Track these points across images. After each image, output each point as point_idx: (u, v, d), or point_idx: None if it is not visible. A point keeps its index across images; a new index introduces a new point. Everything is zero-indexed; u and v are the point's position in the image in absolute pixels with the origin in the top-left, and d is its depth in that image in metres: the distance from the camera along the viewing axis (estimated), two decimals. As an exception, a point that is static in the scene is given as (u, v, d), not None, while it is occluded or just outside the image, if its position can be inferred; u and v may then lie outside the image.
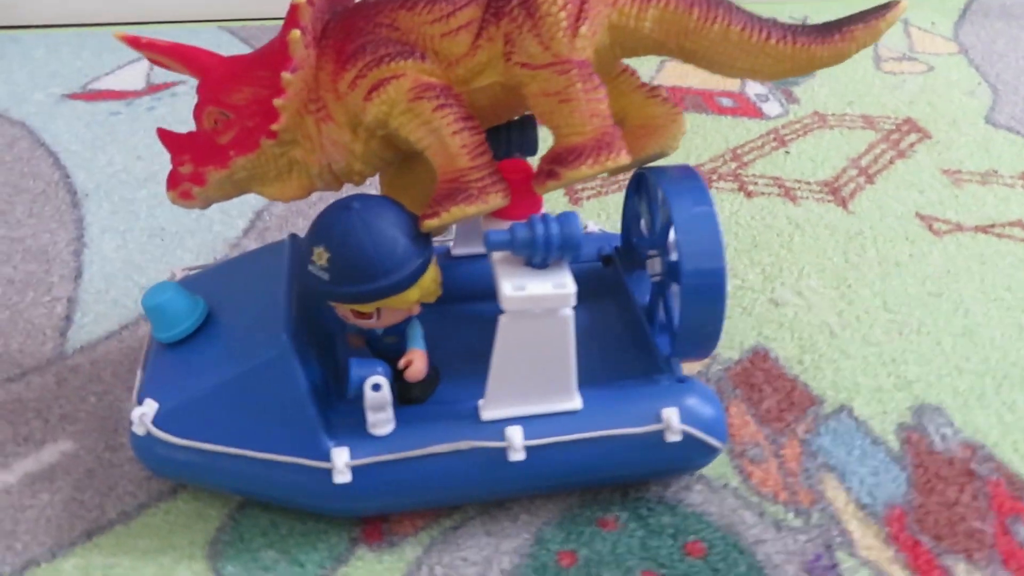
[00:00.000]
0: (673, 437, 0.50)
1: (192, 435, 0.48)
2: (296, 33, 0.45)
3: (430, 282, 0.48)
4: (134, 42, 0.49)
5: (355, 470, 0.47)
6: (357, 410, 0.49)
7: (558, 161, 0.46)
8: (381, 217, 0.46)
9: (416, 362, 0.49)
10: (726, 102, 0.98)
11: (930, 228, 0.77)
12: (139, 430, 0.48)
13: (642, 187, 0.57)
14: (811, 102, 0.98)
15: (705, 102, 0.97)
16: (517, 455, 0.48)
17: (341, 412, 0.50)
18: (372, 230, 0.45)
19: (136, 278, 0.70)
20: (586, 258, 0.63)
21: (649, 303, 0.58)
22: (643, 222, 0.59)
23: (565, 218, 0.45)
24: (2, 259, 0.72)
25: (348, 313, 0.48)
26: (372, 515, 0.51)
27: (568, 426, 0.50)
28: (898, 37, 1.14)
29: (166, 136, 0.51)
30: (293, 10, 0.45)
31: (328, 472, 0.47)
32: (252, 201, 0.78)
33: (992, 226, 0.77)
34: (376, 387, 0.46)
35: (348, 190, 0.52)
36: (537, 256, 0.45)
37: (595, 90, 0.46)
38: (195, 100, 0.50)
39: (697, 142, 0.90)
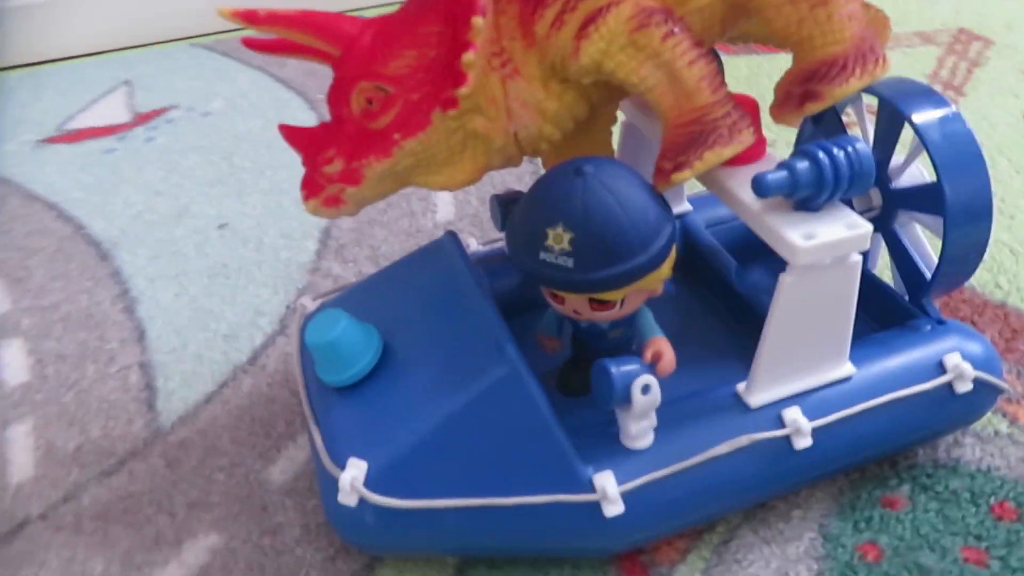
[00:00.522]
0: (963, 387, 0.42)
1: (419, 492, 0.37)
2: (484, -35, 0.35)
3: (674, 253, 0.39)
4: (250, 18, 0.38)
5: (625, 496, 0.38)
6: (590, 423, 0.40)
7: (817, 79, 0.38)
8: (623, 179, 0.37)
9: (667, 351, 0.40)
10: (770, 40, 0.91)
11: (1046, 129, 0.72)
12: (349, 499, 0.37)
13: (828, 110, 0.49)
14: (856, 28, 0.92)
15: (754, 44, 0.91)
16: (803, 441, 0.40)
17: (573, 430, 0.40)
18: (621, 197, 0.36)
19: (213, 325, 0.59)
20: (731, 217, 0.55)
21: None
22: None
23: (846, 142, 0.37)
24: (39, 333, 0.59)
25: (583, 306, 0.39)
26: (631, 548, 0.42)
27: (848, 398, 0.42)
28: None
29: (294, 134, 0.41)
30: (470, -59, 0.36)
31: (594, 506, 0.38)
32: (314, 218, 0.68)
33: (1104, 117, 0.73)
34: (646, 389, 0.37)
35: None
36: (824, 195, 0.37)
37: None
38: (329, 82, 0.40)
39: (767, 84, 0.83)
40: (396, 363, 0.41)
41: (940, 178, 0.42)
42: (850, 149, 0.36)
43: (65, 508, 0.47)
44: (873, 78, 0.38)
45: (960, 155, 0.42)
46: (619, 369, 0.37)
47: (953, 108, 0.43)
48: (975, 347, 0.44)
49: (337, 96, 0.40)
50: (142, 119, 0.84)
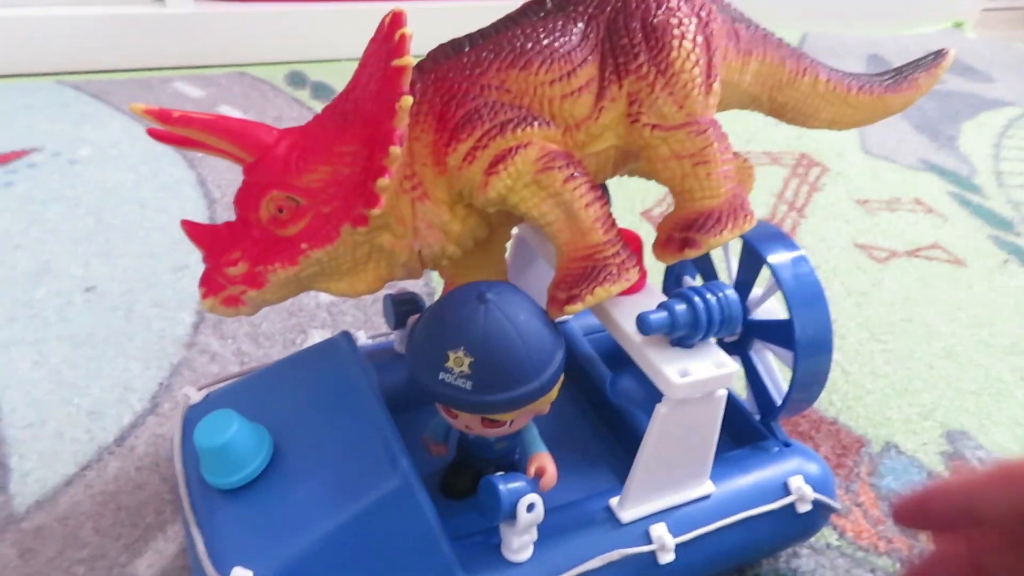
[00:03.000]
0: (804, 507, 0.47)
1: (307, 604, 0.38)
2: (408, 100, 0.38)
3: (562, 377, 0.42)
4: (164, 117, 0.38)
5: (505, 609, 0.40)
6: (472, 529, 0.42)
7: (694, 228, 0.43)
8: (522, 308, 0.39)
9: (549, 467, 0.42)
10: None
11: (871, 256, 0.82)
12: (233, 613, 0.37)
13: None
14: (715, 141, 1.01)
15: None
16: (667, 556, 0.44)
17: (455, 535, 0.42)
18: (520, 326, 0.39)
19: (77, 400, 0.56)
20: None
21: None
22: (691, 283, 0.57)
23: (718, 288, 0.41)
24: None
25: (475, 423, 0.41)
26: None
27: (706, 515, 0.46)
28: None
29: (198, 231, 0.41)
30: (397, 73, 0.38)
31: (474, 619, 0.40)
32: (190, 288, 0.66)
33: (918, 250, 0.84)
34: (531, 507, 0.39)
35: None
36: (698, 335, 0.41)
37: (727, 150, 0.43)
38: (238, 183, 0.40)
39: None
40: (285, 465, 0.42)
41: (792, 317, 0.47)
42: (721, 295, 0.41)
43: None
44: (742, 231, 0.43)
45: (807, 295, 0.48)
46: (507, 487, 0.39)
47: (801, 251, 0.49)
48: (814, 469, 0.49)
49: (246, 199, 0.40)
50: (1, 160, 0.79)
